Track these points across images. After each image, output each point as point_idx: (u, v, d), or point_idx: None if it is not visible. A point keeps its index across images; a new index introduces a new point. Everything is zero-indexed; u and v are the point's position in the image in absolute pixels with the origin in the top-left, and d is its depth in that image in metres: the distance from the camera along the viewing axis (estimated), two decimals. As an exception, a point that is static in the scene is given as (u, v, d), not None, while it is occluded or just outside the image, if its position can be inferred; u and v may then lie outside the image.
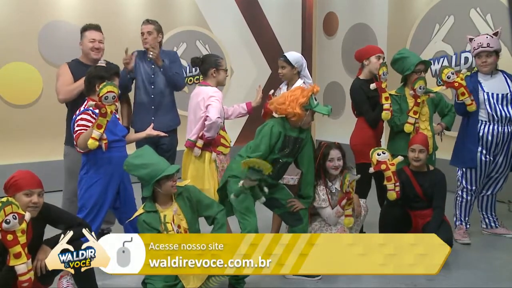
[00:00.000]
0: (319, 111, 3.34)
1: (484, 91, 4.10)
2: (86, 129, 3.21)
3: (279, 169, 3.44)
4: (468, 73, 4.17)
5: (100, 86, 3.11)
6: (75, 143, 3.29)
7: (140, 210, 3.08)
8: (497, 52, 4.11)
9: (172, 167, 3.06)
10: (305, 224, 3.57)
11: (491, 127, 4.11)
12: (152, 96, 4.24)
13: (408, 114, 4.00)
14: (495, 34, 4.14)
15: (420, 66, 4.08)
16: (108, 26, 5.14)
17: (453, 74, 4.01)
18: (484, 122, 4.12)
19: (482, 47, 4.06)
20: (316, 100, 3.36)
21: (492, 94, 4.10)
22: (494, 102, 4.09)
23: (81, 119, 3.26)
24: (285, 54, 3.98)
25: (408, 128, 3.99)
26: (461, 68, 5.81)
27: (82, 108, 3.33)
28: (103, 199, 3.37)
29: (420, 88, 3.95)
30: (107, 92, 3.07)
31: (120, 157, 3.41)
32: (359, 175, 3.58)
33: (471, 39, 4.19)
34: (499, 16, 5.36)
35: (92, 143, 3.11)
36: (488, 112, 4.10)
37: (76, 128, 3.25)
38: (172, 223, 2.96)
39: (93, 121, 3.20)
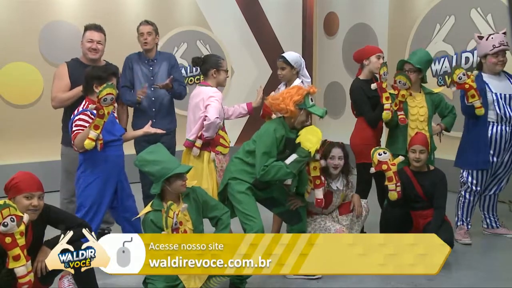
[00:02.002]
0: (313, 112, 3.33)
1: (492, 92, 4.09)
2: (84, 129, 3.22)
3: None
4: (476, 72, 4.13)
5: (100, 88, 3.12)
6: (72, 142, 3.29)
7: (147, 208, 3.07)
8: None
9: (184, 166, 3.09)
10: (304, 222, 3.57)
11: (499, 127, 4.10)
12: (153, 99, 4.23)
13: (382, 102, 3.97)
14: (504, 33, 4.14)
15: (406, 66, 4.08)
16: (109, 26, 5.12)
17: (464, 75, 3.96)
18: (492, 123, 4.11)
19: (504, 45, 4.04)
20: (312, 101, 3.35)
21: (500, 94, 4.10)
22: (502, 103, 4.09)
23: (79, 119, 3.27)
24: (283, 54, 3.97)
25: (385, 116, 3.94)
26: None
27: (80, 108, 3.33)
28: (101, 198, 3.38)
29: (399, 83, 3.95)
30: (106, 94, 3.08)
31: (118, 156, 3.45)
32: (319, 158, 3.51)
33: (481, 37, 4.15)
34: (500, 16, 5.36)
35: (88, 143, 3.13)
36: (497, 113, 4.08)
37: (74, 128, 3.26)
38: (175, 217, 2.95)
39: (91, 121, 3.22)
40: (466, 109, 4.11)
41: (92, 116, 3.23)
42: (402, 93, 3.97)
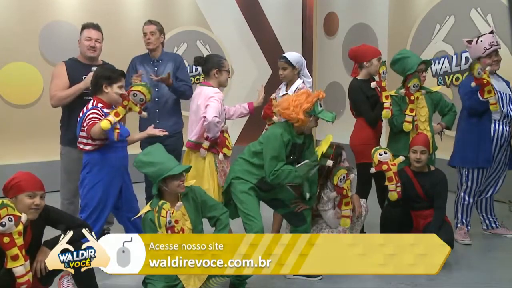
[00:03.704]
0: (323, 118, 3.30)
1: (496, 90, 4.08)
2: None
3: None
4: (489, 68, 4.04)
5: (137, 82, 3.15)
6: (85, 134, 3.27)
7: (146, 208, 3.07)
8: None
9: (179, 167, 3.05)
10: (308, 224, 3.57)
11: (501, 126, 4.10)
12: (157, 99, 4.21)
13: (405, 113, 3.99)
14: (491, 33, 4.15)
15: (422, 66, 4.08)
16: (109, 26, 5.14)
17: (482, 70, 3.94)
18: (494, 121, 4.11)
19: (494, 45, 4.06)
20: (321, 106, 3.33)
21: (503, 93, 4.11)
22: (506, 102, 4.10)
23: (92, 113, 3.25)
24: (285, 55, 3.95)
25: (407, 126, 3.98)
26: (461, 68, 5.82)
27: (90, 106, 3.32)
28: (106, 199, 3.38)
29: (413, 86, 3.95)
30: (138, 91, 3.13)
31: (122, 157, 3.45)
32: (352, 174, 3.58)
33: (470, 41, 4.17)
34: (500, 16, 5.36)
35: (105, 123, 3.09)
36: (501, 112, 4.09)
37: (89, 121, 3.22)
38: (168, 215, 2.94)
39: (102, 117, 3.22)
40: (477, 105, 4.03)
41: (103, 114, 3.25)
42: (417, 95, 3.98)
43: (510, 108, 4.12)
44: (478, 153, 4.12)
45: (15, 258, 2.57)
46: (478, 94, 3.98)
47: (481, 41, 4.10)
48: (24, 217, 2.60)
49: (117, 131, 3.23)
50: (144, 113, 3.41)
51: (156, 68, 4.23)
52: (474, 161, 4.16)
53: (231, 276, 2.98)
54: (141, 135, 3.76)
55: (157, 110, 4.21)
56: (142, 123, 4.25)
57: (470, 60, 5.17)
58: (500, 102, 4.07)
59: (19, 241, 2.57)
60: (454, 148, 4.31)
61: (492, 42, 4.06)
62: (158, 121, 4.11)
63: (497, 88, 4.10)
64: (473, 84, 3.98)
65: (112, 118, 3.14)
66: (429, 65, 4.25)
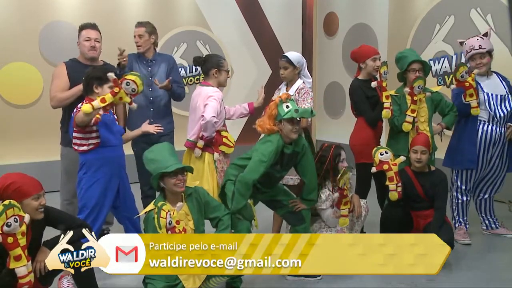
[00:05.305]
0: (287, 117, 3.24)
1: (484, 92, 4.10)
2: None
3: (272, 180, 3.47)
4: (477, 71, 4.09)
5: (132, 73, 3.11)
6: (79, 135, 3.26)
7: (150, 206, 3.07)
8: (489, 53, 4.10)
9: (174, 165, 3.02)
10: (307, 224, 3.57)
11: (489, 127, 4.10)
12: (151, 98, 4.22)
13: (406, 113, 4.00)
14: (485, 35, 4.14)
15: (415, 65, 4.05)
16: (108, 26, 5.14)
17: (466, 73, 3.99)
18: (483, 122, 4.11)
19: (474, 49, 4.07)
20: (287, 108, 3.25)
21: (492, 94, 4.10)
22: (494, 103, 4.09)
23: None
24: (286, 54, 3.96)
25: (406, 127, 3.98)
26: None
27: (79, 106, 3.31)
28: (103, 199, 3.38)
29: (418, 87, 3.95)
30: (132, 80, 3.09)
31: (118, 156, 3.46)
32: (351, 173, 3.59)
33: (461, 43, 4.20)
34: (500, 16, 5.36)
35: (86, 106, 2.97)
36: (489, 113, 4.09)
37: (76, 111, 3.22)
38: (168, 216, 2.94)
39: None
40: (461, 108, 4.11)
41: None
42: (419, 97, 3.99)
43: (500, 109, 4.11)
44: (464, 154, 4.15)
45: (18, 258, 2.57)
46: (462, 96, 4.03)
47: (465, 44, 4.15)
48: (27, 218, 2.61)
49: (98, 116, 3.12)
50: (134, 105, 3.30)
51: (150, 68, 4.25)
52: (460, 162, 4.20)
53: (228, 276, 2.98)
54: (135, 132, 3.76)
55: (152, 110, 4.23)
56: (133, 122, 4.22)
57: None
58: (487, 104, 4.08)
59: (22, 241, 2.58)
60: (447, 149, 4.33)
61: (472, 46, 4.08)
62: (152, 120, 4.11)
63: (485, 89, 4.11)
64: (452, 86, 4.09)
65: (96, 103, 3.00)
66: (426, 66, 4.19)
